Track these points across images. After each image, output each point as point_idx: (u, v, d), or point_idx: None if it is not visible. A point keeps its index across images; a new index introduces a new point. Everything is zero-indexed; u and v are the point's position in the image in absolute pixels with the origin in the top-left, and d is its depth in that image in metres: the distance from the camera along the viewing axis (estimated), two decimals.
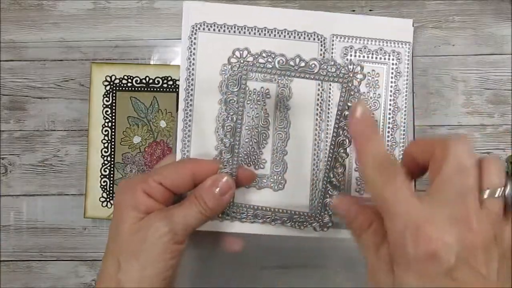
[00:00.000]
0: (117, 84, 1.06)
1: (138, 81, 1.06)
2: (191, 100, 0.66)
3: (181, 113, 0.67)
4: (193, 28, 0.67)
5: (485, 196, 0.48)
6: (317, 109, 0.67)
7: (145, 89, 1.06)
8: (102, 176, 1.05)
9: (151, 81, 1.06)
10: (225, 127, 0.63)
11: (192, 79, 0.66)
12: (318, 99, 0.67)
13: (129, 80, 1.06)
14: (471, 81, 1.08)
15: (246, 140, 0.67)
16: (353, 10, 1.07)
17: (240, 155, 0.67)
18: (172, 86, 1.06)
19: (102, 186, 1.05)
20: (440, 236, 0.46)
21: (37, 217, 1.08)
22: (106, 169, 1.05)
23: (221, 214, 0.67)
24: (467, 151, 0.49)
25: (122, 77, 1.06)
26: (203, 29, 0.66)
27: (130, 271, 0.59)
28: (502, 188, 0.48)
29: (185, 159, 0.68)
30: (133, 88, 1.06)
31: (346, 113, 0.61)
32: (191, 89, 0.66)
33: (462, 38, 1.09)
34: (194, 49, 0.66)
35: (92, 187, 1.05)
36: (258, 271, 0.81)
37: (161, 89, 1.06)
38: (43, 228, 1.08)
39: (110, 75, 1.06)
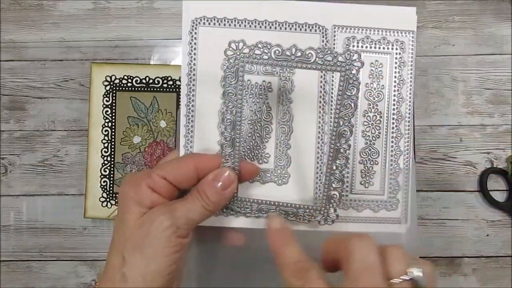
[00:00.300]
0: (117, 84, 1.06)
1: (138, 81, 1.06)
2: (193, 95, 0.66)
3: (184, 108, 0.67)
4: (193, 22, 0.66)
5: (394, 284, 0.51)
6: (320, 102, 0.67)
7: (145, 89, 1.06)
8: (102, 176, 1.05)
9: (151, 81, 1.06)
10: (225, 120, 0.63)
11: (193, 74, 0.66)
12: (320, 92, 0.67)
13: (129, 80, 1.06)
14: (471, 81, 1.08)
15: (249, 135, 0.67)
16: None
17: (243, 149, 0.67)
18: (172, 86, 1.06)
19: (102, 186, 1.05)
20: None
21: (37, 217, 1.08)
22: (106, 169, 1.05)
23: (225, 209, 0.67)
24: (369, 247, 0.52)
25: (122, 77, 1.06)
26: (203, 23, 0.66)
27: (134, 265, 0.59)
28: (407, 274, 0.51)
29: (188, 154, 0.68)
30: (133, 88, 1.06)
31: (346, 102, 0.61)
32: (193, 84, 0.66)
33: (462, 38, 1.09)
34: (195, 43, 0.66)
35: (92, 187, 1.05)
36: (261, 265, 0.81)
37: (161, 89, 1.06)
38: (43, 228, 1.08)
39: (110, 75, 1.05)
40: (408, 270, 0.52)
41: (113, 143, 1.06)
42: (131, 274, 0.59)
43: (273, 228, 0.62)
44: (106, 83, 1.05)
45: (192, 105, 0.66)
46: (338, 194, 0.65)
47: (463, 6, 1.10)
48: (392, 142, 0.69)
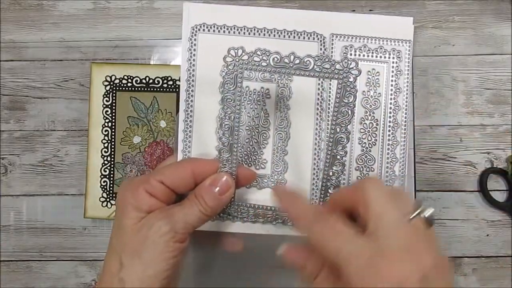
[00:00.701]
0: (117, 84, 1.06)
1: (138, 81, 1.06)
2: (191, 101, 0.67)
3: (182, 113, 0.67)
4: (193, 29, 0.67)
5: (411, 220, 0.53)
6: (317, 109, 0.67)
7: (145, 89, 1.06)
8: (102, 176, 1.05)
9: (151, 81, 1.06)
10: (223, 126, 0.63)
11: (192, 80, 0.66)
12: (318, 99, 0.67)
13: (129, 80, 1.06)
14: (471, 81, 1.08)
15: (247, 140, 0.67)
16: (353, 10, 1.07)
17: (240, 155, 0.67)
18: (172, 86, 1.06)
19: (102, 186, 1.05)
20: (400, 266, 0.49)
21: (37, 217, 1.08)
22: (106, 169, 1.05)
23: (222, 213, 0.68)
24: (384, 189, 0.53)
25: (122, 77, 1.06)
26: (203, 30, 0.67)
27: (132, 270, 0.59)
28: (418, 211, 0.52)
29: (185, 159, 0.68)
30: (133, 88, 1.06)
31: (343, 109, 0.61)
32: (192, 90, 0.66)
33: (462, 38, 1.09)
34: (194, 50, 0.66)
35: (92, 187, 1.05)
36: (259, 270, 0.81)
37: (161, 89, 1.06)
38: (43, 228, 1.08)
39: (110, 75, 1.05)
40: (417, 208, 0.53)
41: (113, 143, 1.06)
42: (129, 279, 0.59)
43: (279, 189, 0.62)
44: (106, 83, 1.05)
45: (191, 111, 0.67)
46: None
47: (463, 6, 1.09)
48: (388, 149, 0.69)
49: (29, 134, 1.09)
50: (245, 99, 0.67)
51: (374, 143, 0.69)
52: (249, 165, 0.68)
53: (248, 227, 0.68)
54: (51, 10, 1.11)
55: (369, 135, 0.69)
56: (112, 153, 1.06)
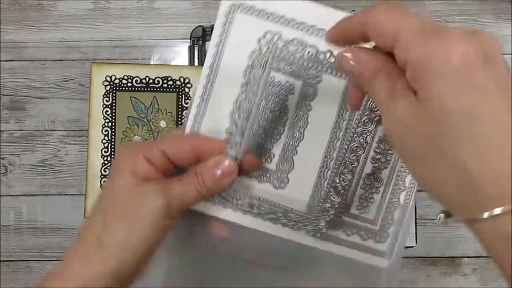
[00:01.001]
0: (117, 84, 1.06)
1: (138, 81, 1.06)
2: (213, 78, 0.66)
3: (200, 89, 0.66)
4: (231, 8, 0.65)
5: None
6: (339, 116, 0.65)
7: (145, 89, 1.06)
8: (102, 176, 1.05)
9: (151, 81, 1.06)
10: (240, 109, 0.62)
11: (219, 58, 0.65)
12: (342, 107, 0.65)
13: (129, 80, 1.06)
14: None
15: (260, 131, 0.67)
16: (353, 10, 1.07)
17: (250, 143, 0.67)
18: (172, 86, 1.06)
19: (102, 186, 1.05)
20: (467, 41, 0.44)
21: (37, 217, 1.08)
22: (106, 169, 1.05)
23: (216, 195, 0.67)
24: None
25: (122, 77, 1.06)
26: (241, 10, 0.66)
27: (115, 233, 0.58)
28: None
29: (193, 134, 0.67)
30: (133, 88, 1.06)
31: (365, 119, 0.61)
32: (216, 68, 0.65)
33: None
34: (228, 27, 0.65)
35: (92, 187, 1.05)
36: (254, 272, 0.80)
37: (161, 89, 1.06)
38: (43, 228, 1.08)
39: (110, 75, 1.05)
40: None
41: (113, 143, 1.06)
42: (109, 241, 0.58)
43: None
44: (106, 83, 1.05)
45: (210, 88, 0.66)
46: (333, 208, 0.65)
47: (463, 6, 1.10)
48: (399, 176, 0.68)
49: (29, 134, 1.09)
50: (268, 87, 0.66)
51: (385, 166, 0.67)
52: (256, 155, 0.67)
53: (238, 217, 0.67)
54: (51, 10, 1.11)
55: (383, 156, 0.67)
56: (112, 153, 1.05)
